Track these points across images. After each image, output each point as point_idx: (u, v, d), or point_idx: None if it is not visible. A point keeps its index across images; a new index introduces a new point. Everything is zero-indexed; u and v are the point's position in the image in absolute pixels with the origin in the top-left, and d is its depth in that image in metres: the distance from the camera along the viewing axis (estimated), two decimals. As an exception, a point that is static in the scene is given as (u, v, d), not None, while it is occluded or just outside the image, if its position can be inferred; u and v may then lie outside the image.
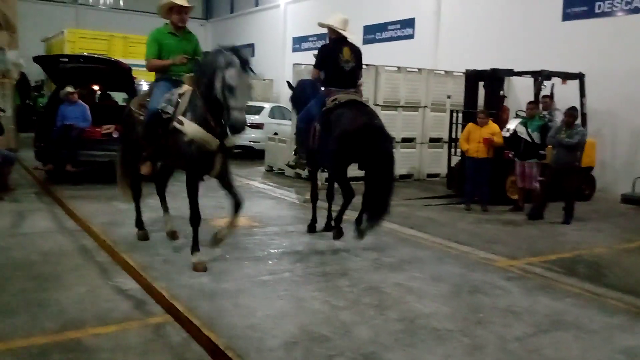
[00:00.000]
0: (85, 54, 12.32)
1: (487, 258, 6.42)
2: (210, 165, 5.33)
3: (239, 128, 4.87)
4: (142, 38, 16.62)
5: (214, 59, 5.10)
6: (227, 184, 5.48)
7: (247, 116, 5.45)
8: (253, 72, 5.17)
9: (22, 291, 4.76)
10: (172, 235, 6.35)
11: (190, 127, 5.18)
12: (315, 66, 6.85)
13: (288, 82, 8.06)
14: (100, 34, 16.65)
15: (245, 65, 4.91)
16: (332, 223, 6.92)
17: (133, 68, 11.02)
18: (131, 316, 4.35)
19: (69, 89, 10.33)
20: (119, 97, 13.15)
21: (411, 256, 6.31)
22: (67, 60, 11.13)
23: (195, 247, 5.43)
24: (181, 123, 5.22)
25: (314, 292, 4.94)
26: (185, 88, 5.49)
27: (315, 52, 6.97)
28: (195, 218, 5.41)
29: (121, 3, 28.60)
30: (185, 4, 5.96)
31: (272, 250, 6.27)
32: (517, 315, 4.64)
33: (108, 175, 10.72)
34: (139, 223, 6.49)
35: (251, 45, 25.23)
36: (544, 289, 5.38)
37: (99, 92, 12.54)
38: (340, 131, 6.11)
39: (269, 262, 5.84)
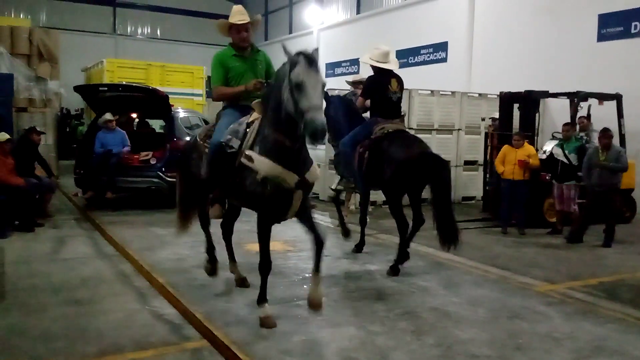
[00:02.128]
0: (124, 82, 12.65)
1: (526, 282, 6.29)
2: (288, 205, 4.55)
3: (318, 132, 3.90)
4: (179, 66, 17.31)
5: (278, 72, 4.47)
6: (306, 220, 4.73)
7: None
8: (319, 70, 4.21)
9: (62, 316, 4.86)
10: (243, 282, 5.72)
11: (261, 164, 4.38)
12: (362, 95, 7.10)
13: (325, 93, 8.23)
14: (138, 63, 17.10)
15: (311, 61, 4.10)
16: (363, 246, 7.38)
17: (170, 96, 11.28)
18: (168, 341, 4.39)
19: (108, 116, 10.52)
20: (157, 124, 13.49)
21: (447, 280, 6.24)
22: (106, 89, 11.39)
23: (262, 299, 4.74)
24: (250, 159, 4.46)
25: (349, 317, 4.92)
26: (254, 115, 4.76)
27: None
28: (265, 265, 4.73)
29: (158, 33, 29.70)
30: (243, 21, 5.21)
31: (307, 275, 6.25)
32: (558, 341, 4.53)
33: (146, 201, 11.01)
34: (210, 251, 5.74)
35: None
36: (584, 314, 5.24)
37: (136, 120, 12.86)
38: (398, 160, 6.28)
39: (304, 286, 5.82)
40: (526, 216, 9.34)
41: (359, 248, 7.44)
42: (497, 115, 10.92)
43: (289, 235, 8.05)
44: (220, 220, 5.69)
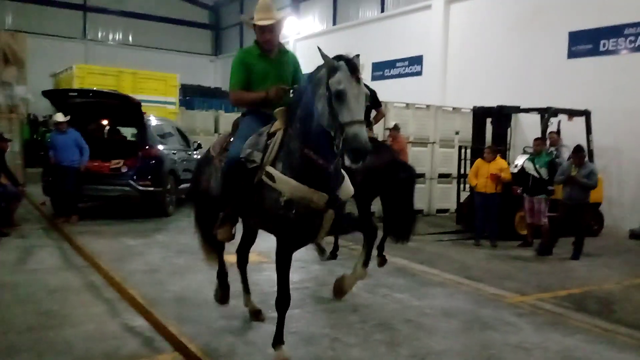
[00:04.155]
0: (95, 88, 12.40)
1: (498, 294, 6.37)
2: (317, 227, 3.96)
3: (361, 151, 3.32)
4: (152, 74, 17.06)
5: (310, 77, 3.82)
6: (343, 230, 4.42)
7: None
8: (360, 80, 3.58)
9: (29, 329, 4.74)
10: (257, 315, 5.07)
11: (284, 184, 3.78)
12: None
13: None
14: (109, 69, 16.76)
15: (354, 68, 3.50)
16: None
17: (142, 104, 11.11)
18: (140, 354, 4.31)
19: (59, 117, 9.86)
20: (128, 132, 13.29)
21: (421, 292, 6.28)
22: (76, 94, 11.12)
23: (279, 339, 4.08)
24: (271, 178, 3.84)
25: (324, 329, 4.91)
26: (276, 125, 4.07)
27: None
28: (283, 300, 4.04)
29: (130, 39, 29.22)
30: (267, 22, 4.35)
31: (281, 286, 6.24)
32: (528, 351, 4.60)
33: (116, 211, 10.85)
34: (222, 276, 5.11)
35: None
36: (554, 325, 5.34)
37: (107, 127, 12.61)
38: (367, 167, 6.33)
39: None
40: (498, 229, 9.48)
41: (333, 254, 7.58)
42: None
43: (262, 247, 7.98)
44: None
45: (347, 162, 3.46)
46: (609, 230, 11.13)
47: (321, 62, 3.64)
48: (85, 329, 4.76)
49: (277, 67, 4.50)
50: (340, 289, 4.53)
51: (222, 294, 5.03)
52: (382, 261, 6.71)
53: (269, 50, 4.46)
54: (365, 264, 4.28)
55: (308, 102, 3.71)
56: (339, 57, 3.58)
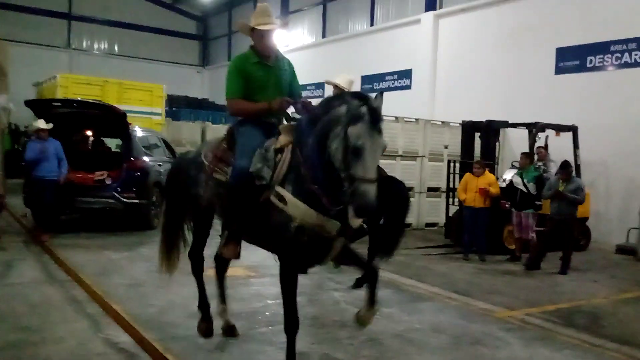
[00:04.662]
0: (79, 98, 12.23)
1: (486, 309, 6.36)
2: (325, 253, 3.85)
3: (366, 209, 3.29)
4: (137, 84, 16.91)
5: (328, 107, 3.64)
6: (348, 262, 4.18)
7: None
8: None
9: (8, 345, 4.60)
10: (231, 331, 4.87)
11: (295, 209, 3.61)
12: None
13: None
14: (94, 79, 16.51)
15: (377, 119, 3.35)
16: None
17: (127, 114, 10.94)
18: (124, 370, 4.21)
19: (40, 124, 9.41)
20: (113, 143, 13.15)
21: (411, 307, 6.25)
22: (60, 104, 10.97)
23: None
24: (281, 199, 3.66)
25: (312, 345, 4.84)
26: (283, 141, 3.89)
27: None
28: (291, 324, 3.92)
29: (116, 49, 28.90)
30: (268, 27, 4.21)
31: (269, 301, 6.16)
32: (518, 367, 4.58)
33: (99, 223, 10.69)
34: (204, 307, 4.84)
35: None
36: (542, 340, 5.34)
37: (92, 138, 12.44)
38: None
39: (267, 313, 5.74)
40: (486, 243, 9.48)
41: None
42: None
43: (250, 260, 7.92)
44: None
45: (350, 213, 3.43)
46: (596, 245, 11.20)
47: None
48: (67, 346, 4.64)
49: (275, 75, 4.33)
50: (361, 322, 4.15)
51: (207, 327, 4.75)
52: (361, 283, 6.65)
53: (267, 56, 4.30)
54: (372, 303, 3.98)
55: (321, 134, 3.55)
56: (361, 97, 3.42)
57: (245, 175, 3.87)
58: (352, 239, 3.86)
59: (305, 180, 3.63)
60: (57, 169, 9.32)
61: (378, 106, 3.38)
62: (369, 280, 3.98)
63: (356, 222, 3.78)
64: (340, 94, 3.66)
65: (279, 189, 3.69)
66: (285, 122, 4.26)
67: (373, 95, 3.44)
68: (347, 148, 3.30)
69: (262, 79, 4.25)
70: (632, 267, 9.61)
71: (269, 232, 3.83)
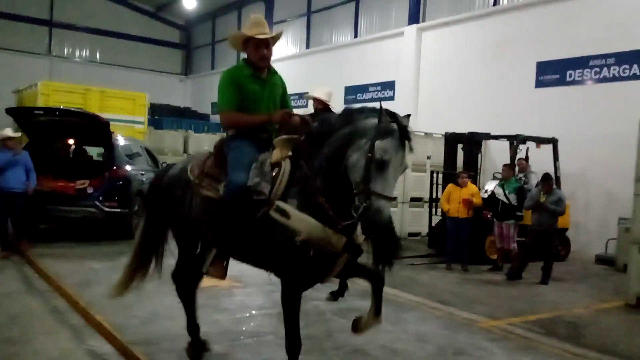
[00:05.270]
0: (61, 107, 12.09)
1: (470, 318, 6.41)
2: (327, 271, 3.71)
3: (378, 227, 3.20)
4: (120, 92, 16.75)
5: (350, 119, 3.52)
6: (351, 274, 4.08)
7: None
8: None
9: (-11, 356, 4.54)
10: (202, 346, 4.64)
11: (301, 223, 3.47)
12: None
13: None
14: (76, 87, 16.25)
15: (406, 138, 3.35)
16: None
17: (110, 123, 10.81)
18: (108, 380, 4.17)
19: (8, 132, 8.94)
20: (94, 151, 13.00)
21: (395, 317, 6.25)
22: (42, 112, 10.78)
23: None
24: (284, 214, 3.52)
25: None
26: (278, 155, 3.75)
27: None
28: (293, 345, 3.76)
29: (98, 56, 28.52)
30: (264, 35, 4.08)
31: (254, 312, 6.15)
32: (503, 378, 4.62)
33: (80, 233, 10.55)
34: (192, 331, 4.60)
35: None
36: (525, 350, 5.39)
37: (73, 147, 12.31)
38: None
39: (251, 323, 5.72)
40: (469, 253, 9.57)
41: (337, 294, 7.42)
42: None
43: (234, 270, 7.85)
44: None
45: (359, 229, 3.36)
46: (576, 255, 11.36)
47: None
48: (49, 357, 4.58)
49: (269, 89, 4.20)
50: (358, 329, 4.11)
51: (195, 354, 4.51)
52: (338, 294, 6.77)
53: (261, 68, 4.16)
54: (377, 312, 3.91)
55: (340, 145, 3.44)
56: (391, 114, 3.36)
57: (241, 190, 3.68)
58: (355, 255, 3.76)
59: (312, 193, 3.51)
60: (25, 180, 8.77)
61: (407, 122, 3.38)
62: (375, 288, 3.91)
63: (361, 238, 3.66)
64: (362, 108, 3.55)
65: (280, 203, 3.55)
66: (283, 135, 3.97)
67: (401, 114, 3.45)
68: (371, 161, 3.21)
69: (255, 92, 4.11)
70: (611, 277, 9.76)
71: (268, 250, 3.66)
